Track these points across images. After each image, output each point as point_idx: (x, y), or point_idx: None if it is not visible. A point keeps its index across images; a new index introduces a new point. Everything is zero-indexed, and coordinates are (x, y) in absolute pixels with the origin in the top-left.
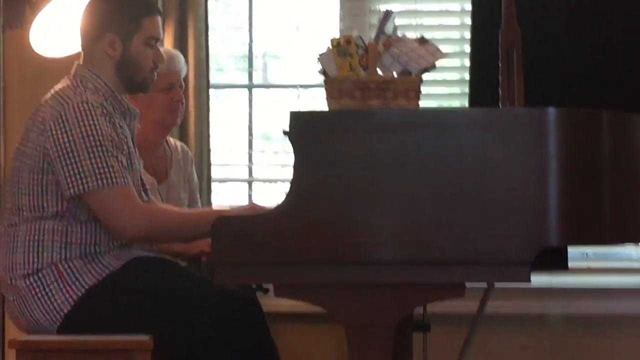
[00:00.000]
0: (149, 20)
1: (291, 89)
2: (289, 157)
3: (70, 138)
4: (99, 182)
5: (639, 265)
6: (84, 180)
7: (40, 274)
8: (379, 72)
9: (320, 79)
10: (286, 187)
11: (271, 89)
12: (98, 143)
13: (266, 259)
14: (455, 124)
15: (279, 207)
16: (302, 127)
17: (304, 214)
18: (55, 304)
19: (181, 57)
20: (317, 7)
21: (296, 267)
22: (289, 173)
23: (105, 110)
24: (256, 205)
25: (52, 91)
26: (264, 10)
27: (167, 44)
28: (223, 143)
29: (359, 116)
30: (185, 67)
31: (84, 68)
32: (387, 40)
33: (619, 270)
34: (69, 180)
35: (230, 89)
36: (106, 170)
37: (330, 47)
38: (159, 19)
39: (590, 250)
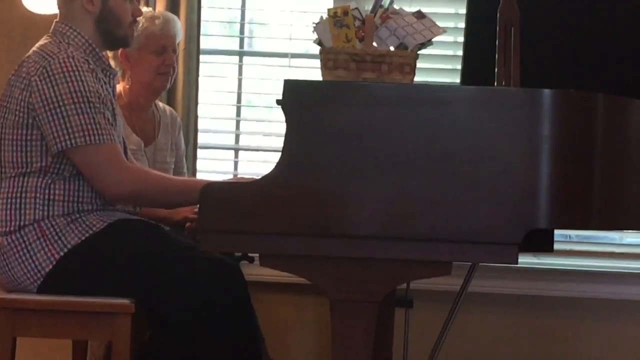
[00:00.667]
0: None
1: (281, 57)
2: (274, 126)
3: (57, 93)
4: (86, 138)
5: (622, 250)
6: (71, 136)
7: (22, 232)
8: (375, 45)
9: (310, 48)
10: (271, 156)
11: (260, 57)
12: (85, 99)
13: (253, 228)
14: (449, 100)
15: (268, 176)
16: (295, 96)
17: (293, 184)
18: (36, 262)
19: (178, 21)
20: None
21: (283, 238)
22: (273, 142)
23: (90, 66)
24: (243, 177)
25: (35, 47)
26: None
27: (160, 7)
28: (210, 109)
29: (353, 88)
30: (180, 32)
31: (64, 25)
32: (384, 13)
33: (602, 254)
34: (55, 135)
35: (218, 55)
36: (93, 126)
37: (327, 17)
38: None
39: (573, 233)
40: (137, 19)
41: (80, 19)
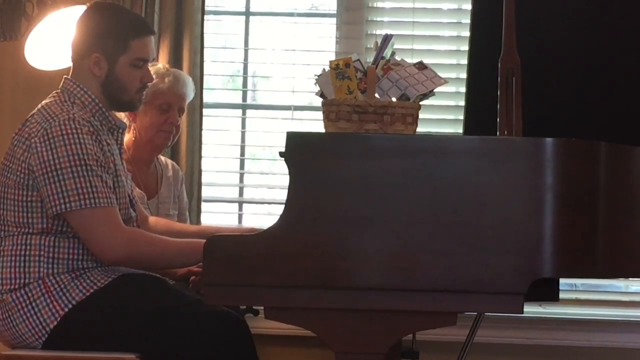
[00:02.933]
0: (138, 42)
1: (284, 110)
2: (278, 179)
3: (55, 156)
4: (81, 201)
5: (628, 298)
6: (67, 200)
7: (27, 289)
8: (377, 96)
9: (313, 100)
10: (275, 208)
11: (263, 110)
12: (83, 162)
13: (258, 281)
14: (452, 151)
15: (272, 228)
16: (298, 149)
17: (297, 236)
18: (41, 318)
19: (190, 82)
20: (313, 29)
21: (287, 290)
22: (277, 194)
23: (92, 128)
24: (254, 228)
25: (39, 106)
26: (257, 30)
27: (162, 61)
28: (213, 162)
29: (355, 140)
30: (192, 93)
31: (72, 82)
32: (386, 64)
33: (608, 303)
34: (52, 198)
35: (222, 109)
36: (89, 190)
37: (329, 69)
38: (151, 39)
39: (579, 281)
40: (147, 84)
41: (88, 79)
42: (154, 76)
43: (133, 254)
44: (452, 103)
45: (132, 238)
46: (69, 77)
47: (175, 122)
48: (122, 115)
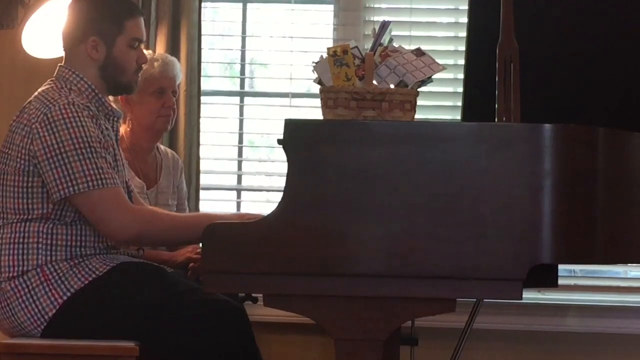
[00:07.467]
0: (131, 22)
1: (282, 97)
2: (276, 166)
3: (58, 139)
4: (89, 183)
5: (627, 284)
6: (74, 182)
7: (25, 277)
8: (375, 83)
9: (311, 87)
10: (273, 195)
11: (261, 97)
12: (87, 144)
13: (256, 268)
14: (450, 137)
15: (270, 216)
16: (296, 136)
17: (295, 223)
18: (40, 307)
19: (177, 63)
20: (311, 16)
21: (286, 278)
22: (275, 181)
23: (91, 112)
24: (246, 214)
25: (36, 93)
26: (254, 17)
27: (160, 49)
28: (212, 150)
29: (354, 127)
30: (180, 74)
31: (67, 70)
32: (384, 51)
33: (607, 288)
34: (58, 182)
35: (219, 96)
36: (96, 171)
37: (327, 56)
38: (142, 20)
39: (578, 267)
40: (142, 65)
41: (84, 65)
42: None
43: (144, 231)
44: (450, 89)
45: (142, 215)
46: (63, 65)
47: (172, 105)
48: (117, 106)
